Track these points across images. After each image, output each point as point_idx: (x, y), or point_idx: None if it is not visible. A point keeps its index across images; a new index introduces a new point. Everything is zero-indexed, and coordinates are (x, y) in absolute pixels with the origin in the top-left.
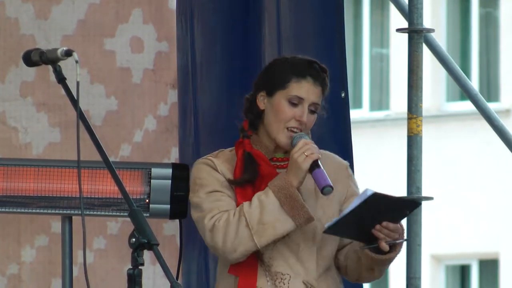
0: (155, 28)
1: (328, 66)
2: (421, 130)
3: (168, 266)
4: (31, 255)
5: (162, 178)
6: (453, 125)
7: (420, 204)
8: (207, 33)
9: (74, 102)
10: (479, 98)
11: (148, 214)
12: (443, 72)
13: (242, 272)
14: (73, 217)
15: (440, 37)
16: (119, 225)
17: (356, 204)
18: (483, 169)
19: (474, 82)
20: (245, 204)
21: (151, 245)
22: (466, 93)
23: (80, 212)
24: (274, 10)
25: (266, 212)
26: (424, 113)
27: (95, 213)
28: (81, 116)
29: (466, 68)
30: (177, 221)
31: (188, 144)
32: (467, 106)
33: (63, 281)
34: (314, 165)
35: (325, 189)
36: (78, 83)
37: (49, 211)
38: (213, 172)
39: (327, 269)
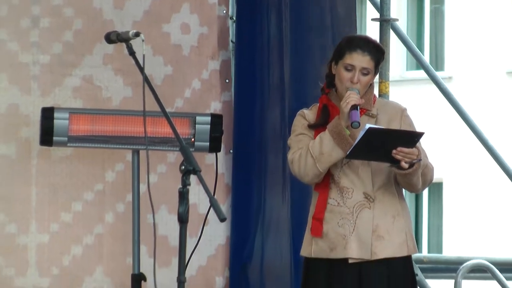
0: (198, 16)
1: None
2: (389, 91)
3: (208, 186)
4: (111, 177)
5: (204, 124)
6: (411, 87)
7: (422, 133)
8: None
9: (141, 69)
10: (430, 68)
11: (193, 149)
12: (404, 49)
13: (320, 188)
14: (140, 151)
15: (402, 24)
16: (175, 156)
17: (360, 136)
18: (433, 119)
19: (426, 56)
20: (311, 141)
21: (196, 171)
22: (420, 64)
23: (145, 147)
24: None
25: (324, 145)
26: (390, 78)
27: (156, 148)
28: (146, 79)
29: (420, 46)
30: (214, 154)
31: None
32: (421, 74)
33: (133, 196)
34: (353, 108)
35: (353, 124)
36: (144, 55)
37: (123, 147)
38: (302, 120)
39: (383, 185)
